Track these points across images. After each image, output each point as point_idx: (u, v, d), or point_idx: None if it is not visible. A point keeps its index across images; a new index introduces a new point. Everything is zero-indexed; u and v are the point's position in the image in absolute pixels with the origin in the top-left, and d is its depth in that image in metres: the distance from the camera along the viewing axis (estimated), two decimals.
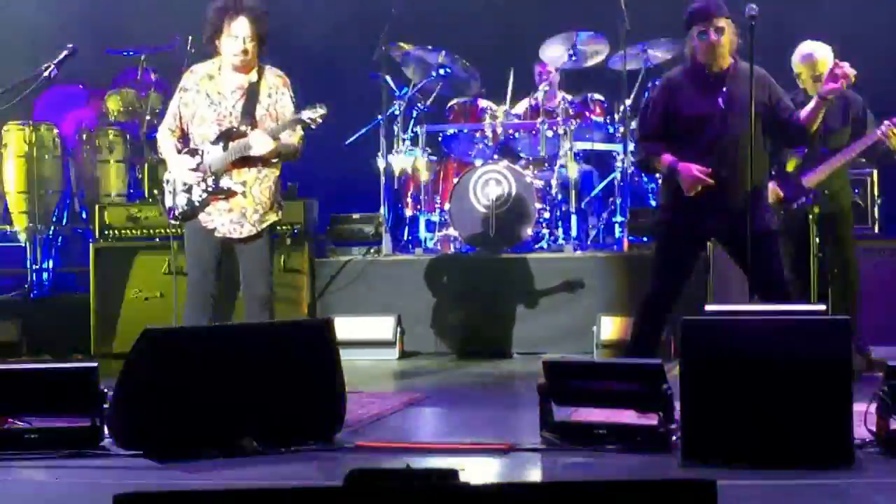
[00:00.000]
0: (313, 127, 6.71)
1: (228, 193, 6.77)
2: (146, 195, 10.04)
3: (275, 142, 6.69)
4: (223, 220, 6.81)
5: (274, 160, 6.83)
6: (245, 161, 6.75)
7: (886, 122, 7.48)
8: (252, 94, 6.80)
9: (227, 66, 6.80)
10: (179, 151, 6.87)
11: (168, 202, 6.91)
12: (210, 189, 6.76)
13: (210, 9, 6.79)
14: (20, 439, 5.73)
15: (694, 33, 6.69)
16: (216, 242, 6.87)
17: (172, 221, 6.93)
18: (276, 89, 6.86)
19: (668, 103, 6.82)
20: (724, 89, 6.66)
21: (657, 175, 7.00)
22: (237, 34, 6.70)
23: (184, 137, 6.94)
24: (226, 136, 6.75)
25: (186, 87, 6.91)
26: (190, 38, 9.53)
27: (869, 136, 7.56)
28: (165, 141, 6.94)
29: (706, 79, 6.72)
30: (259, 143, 6.68)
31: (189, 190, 6.80)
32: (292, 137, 6.82)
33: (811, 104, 6.72)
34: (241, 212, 6.82)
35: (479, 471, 5.31)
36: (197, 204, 6.80)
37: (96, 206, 9.88)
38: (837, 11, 10.39)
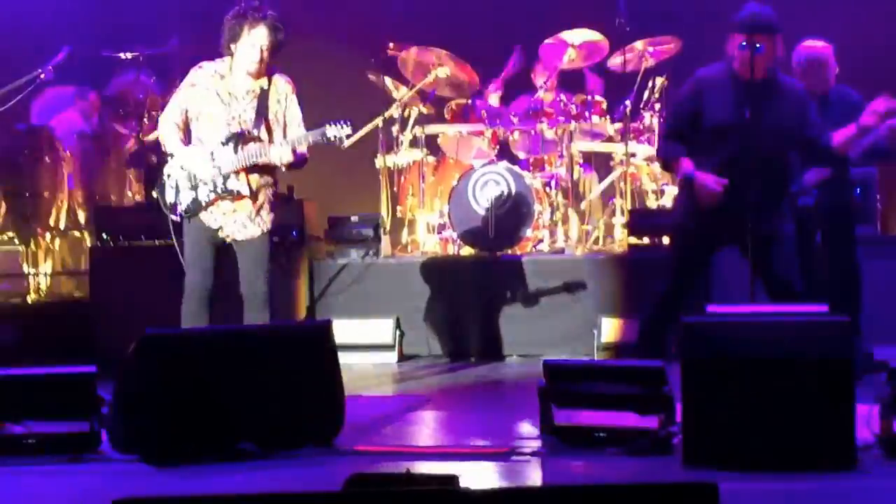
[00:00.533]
0: (337, 144, 6.77)
1: (236, 196, 6.79)
2: (145, 198, 10.00)
3: (293, 154, 6.75)
4: (227, 221, 6.85)
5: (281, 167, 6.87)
6: (252, 166, 6.78)
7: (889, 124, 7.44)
8: (263, 99, 6.85)
9: (240, 70, 6.82)
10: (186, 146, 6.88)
11: (170, 198, 6.88)
12: (218, 190, 6.78)
13: (230, 13, 6.83)
14: (18, 444, 5.72)
15: (736, 40, 6.63)
16: (216, 242, 6.89)
17: (175, 218, 6.90)
18: (286, 96, 6.91)
19: (697, 105, 6.77)
20: (754, 102, 6.60)
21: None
22: (256, 42, 6.75)
23: (185, 132, 6.94)
24: (237, 139, 6.76)
25: (195, 82, 6.90)
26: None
27: (871, 136, 7.51)
28: (171, 134, 6.89)
29: (739, 88, 6.66)
30: (280, 154, 6.75)
31: (196, 188, 6.81)
32: (302, 149, 6.85)
33: (847, 130, 6.65)
34: (246, 213, 6.86)
35: (479, 475, 5.28)
36: (202, 203, 6.82)
37: (94, 210, 9.86)
38: (839, 10, 10.40)
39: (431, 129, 10.56)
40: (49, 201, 10.29)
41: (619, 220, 10.18)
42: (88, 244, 10.03)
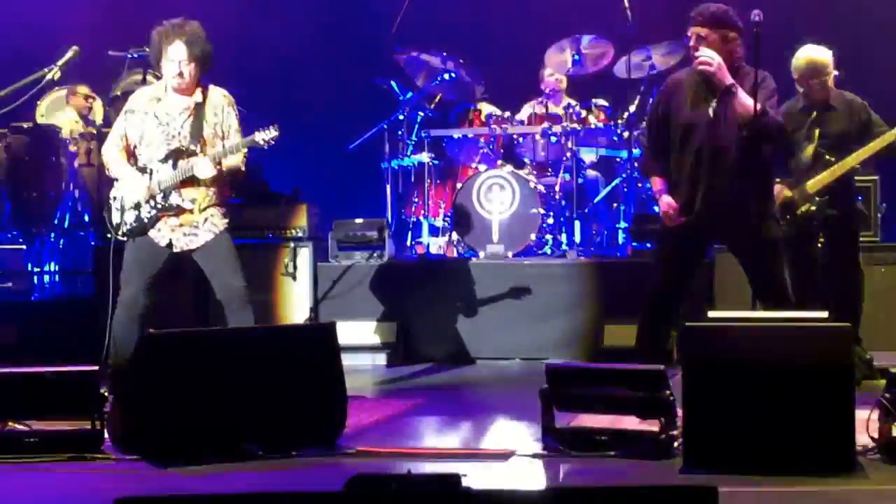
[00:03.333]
0: (266, 148, 6.84)
1: (178, 210, 6.86)
2: None
3: (217, 167, 6.84)
4: (176, 235, 6.95)
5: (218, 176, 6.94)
6: (193, 179, 6.89)
7: None
8: (198, 114, 6.95)
9: (172, 89, 6.94)
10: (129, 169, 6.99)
11: (115, 218, 7.00)
12: (159, 206, 6.88)
13: (153, 33, 6.96)
14: (20, 443, 5.73)
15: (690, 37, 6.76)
16: (163, 260, 6.96)
17: (120, 238, 6.99)
18: (222, 109, 7.00)
19: (666, 106, 6.91)
20: (718, 96, 6.67)
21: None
22: (173, 58, 6.86)
23: (129, 157, 7.05)
24: (175, 155, 6.89)
25: (133, 108, 7.04)
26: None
27: (880, 139, 7.53)
28: (113, 160, 7.04)
29: (702, 84, 6.76)
30: (202, 169, 6.82)
31: (137, 207, 6.90)
32: (236, 159, 6.94)
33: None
34: (193, 224, 6.94)
35: (480, 477, 5.30)
36: (146, 220, 6.92)
37: (99, 209, 9.87)
38: (838, 14, 10.44)
39: (436, 132, 10.59)
40: (54, 200, 10.31)
41: (623, 224, 10.20)
42: (93, 243, 10.04)
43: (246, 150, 6.93)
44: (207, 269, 6.98)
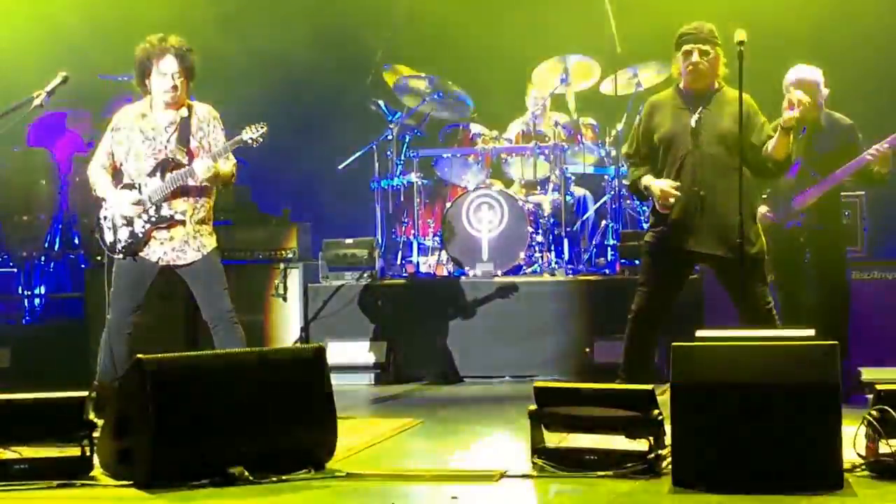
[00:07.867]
0: (255, 146, 6.91)
1: (170, 222, 6.89)
2: None
3: (216, 164, 6.87)
4: (165, 249, 7.00)
5: (209, 187, 6.99)
6: (183, 191, 6.95)
7: (875, 147, 7.52)
8: (184, 127, 7.01)
9: (159, 104, 7.02)
10: (115, 187, 7.03)
11: (109, 238, 7.03)
12: (152, 219, 6.91)
13: (137, 50, 6.99)
14: (9, 469, 5.71)
15: (680, 53, 6.92)
16: (153, 276, 7.01)
17: (116, 257, 7.01)
18: (208, 122, 7.08)
19: (649, 123, 7.08)
20: (700, 110, 6.88)
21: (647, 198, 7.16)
22: (165, 72, 6.92)
23: (115, 174, 7.10)
24: (162, 167, 6.94)
25: (119, 126, 7.11)
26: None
27: (858, 160, 7.59)
28: (99, 178, 7.10)
29: (685, 100, 6.97)
30: (202, 168, 6.86)
31: (130, 223, 6.93)
32: (227, 165, 7.02)
33: (775, 137, 6.77)
34: (182, 239, 7.00)
35: (470, 498, 5.31)
36: (140, 235, 6.97)
37: (89, 232, 9.88)
38: (827, 32, 10.50)
39: (425, 152, 10.62)
40: (44, 224, 10.31)
41: (611, 241, 10.23)
42: (83, 266, 10.05)
43: (234, 158, 7.00)
44: (194, 289, 7.02)
